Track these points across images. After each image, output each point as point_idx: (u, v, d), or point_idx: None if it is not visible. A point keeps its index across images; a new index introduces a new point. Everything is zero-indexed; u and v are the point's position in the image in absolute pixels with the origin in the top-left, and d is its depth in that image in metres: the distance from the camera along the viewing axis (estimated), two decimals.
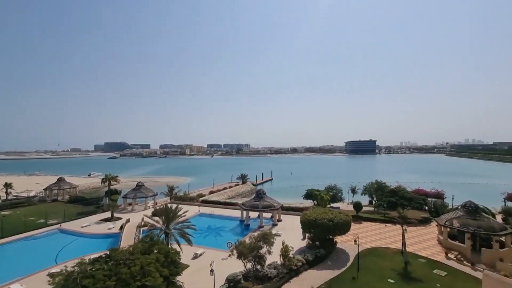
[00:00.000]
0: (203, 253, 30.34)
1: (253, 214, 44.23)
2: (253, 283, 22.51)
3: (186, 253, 25.89)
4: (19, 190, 78.77)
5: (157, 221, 29.41)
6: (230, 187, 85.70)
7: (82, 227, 41.61)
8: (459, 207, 34.57)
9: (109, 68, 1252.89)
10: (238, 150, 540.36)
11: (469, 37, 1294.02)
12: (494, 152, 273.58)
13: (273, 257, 25.19)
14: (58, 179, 72.25)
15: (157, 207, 46.90)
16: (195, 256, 29.41)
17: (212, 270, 22.23)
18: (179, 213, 29.62)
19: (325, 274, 25.45)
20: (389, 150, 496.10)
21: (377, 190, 53.31)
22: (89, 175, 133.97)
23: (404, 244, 28.41)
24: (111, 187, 64.77)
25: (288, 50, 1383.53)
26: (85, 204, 58.51)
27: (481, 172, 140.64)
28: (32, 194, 73.02)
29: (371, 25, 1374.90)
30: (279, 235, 33.62)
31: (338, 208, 46.18)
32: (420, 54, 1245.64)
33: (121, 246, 26.76)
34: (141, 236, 33.04)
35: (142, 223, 38.42)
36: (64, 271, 15.84)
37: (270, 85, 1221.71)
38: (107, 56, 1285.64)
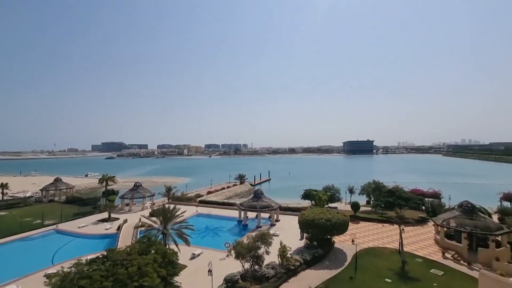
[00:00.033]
0: (201, 253, 30.31)
1: (251, 214, 44.29)
2: (251, 283, 22.51)
3: (184, 253, 25.81)
4: (15, 190, 78.29)
5: (154, 222, 29.35)
6: (228, 187, 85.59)
7: (79, 227, 41.38)
8: (456, 207, 34.91)
9: (106, 67, 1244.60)
10: (236, 150, 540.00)
11: (469, 37, 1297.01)
12: (490, 153, 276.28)
13: (271, 257, 25.25)
14: (54, 180, 71.80)
15: (155, 208, 46.67)
16: (193, 257, 29.37)
17: (210, 271, 22.20)
18: (177, 214, 29.56)
19: (323, 274, 25.52)
20: (386, 150, 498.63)
21: (375, 190, 53.69)
22: (86, 176, 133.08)
23: (401, 244, 28.54)
24: (109, 187, 64.60)
25: (287, 50, 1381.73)
26: (82, 204, 58.15)
27: (477, 172, 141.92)
28: (28, 194, 72.61)
29: (370, 25, 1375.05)
30: (277, 235, 33.72)
31: (335, 208, 46.24)
32: (419, 54, 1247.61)
33: (118, 247, 26.64)
34: (138, 236, 33.02)
35: (140, 223, 38.36)
36: (60, 271, 15.84)
37: (268, 85, 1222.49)
38: (105, 56, 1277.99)
